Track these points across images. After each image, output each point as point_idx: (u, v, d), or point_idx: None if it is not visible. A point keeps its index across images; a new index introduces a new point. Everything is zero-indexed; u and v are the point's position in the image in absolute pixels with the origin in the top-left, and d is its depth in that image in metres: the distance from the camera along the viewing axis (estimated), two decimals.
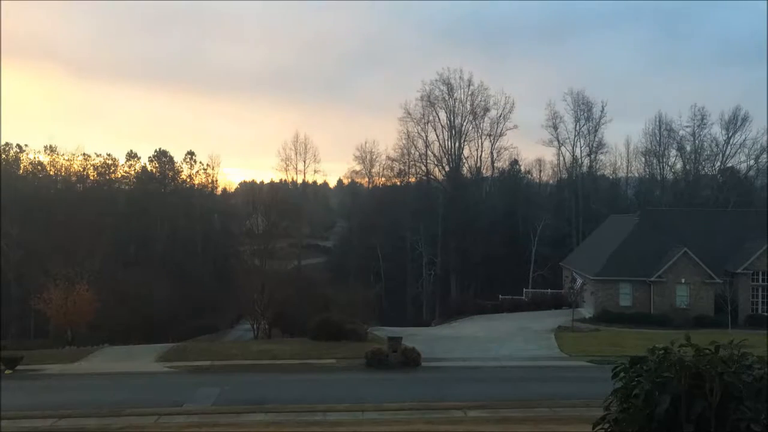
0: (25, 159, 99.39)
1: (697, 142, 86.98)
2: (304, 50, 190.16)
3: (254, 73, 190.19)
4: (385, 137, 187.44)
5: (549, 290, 65.72)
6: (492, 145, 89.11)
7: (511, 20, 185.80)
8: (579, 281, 54.89)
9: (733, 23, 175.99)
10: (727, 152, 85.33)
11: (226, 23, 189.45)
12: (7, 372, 29.33)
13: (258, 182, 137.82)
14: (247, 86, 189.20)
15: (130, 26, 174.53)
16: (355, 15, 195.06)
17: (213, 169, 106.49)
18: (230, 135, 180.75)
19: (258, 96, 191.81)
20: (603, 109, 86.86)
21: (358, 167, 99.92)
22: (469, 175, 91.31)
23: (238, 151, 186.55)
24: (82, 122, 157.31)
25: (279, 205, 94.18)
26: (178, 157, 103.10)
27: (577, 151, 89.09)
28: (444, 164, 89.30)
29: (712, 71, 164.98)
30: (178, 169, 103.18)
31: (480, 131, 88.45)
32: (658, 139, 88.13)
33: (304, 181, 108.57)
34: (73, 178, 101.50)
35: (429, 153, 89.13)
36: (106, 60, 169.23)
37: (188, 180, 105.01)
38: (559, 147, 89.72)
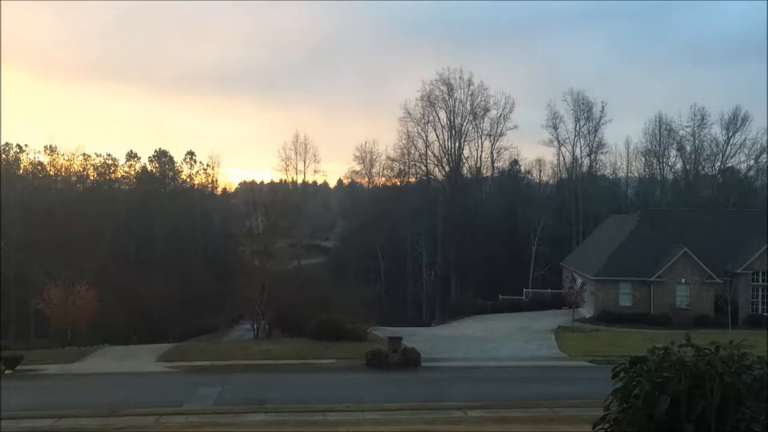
0: (25, 159, 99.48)
1: (697, 142, 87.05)
2: (303, 49, 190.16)
3: (253, 72, 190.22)
4: (384, 137, 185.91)
5: (549, 290, 65.69)
6: (492, 145, 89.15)
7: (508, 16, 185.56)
8: (579, 281, 54.91)
9: (705, 23, 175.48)
10: (727, 152, 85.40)
11: (224, 22, 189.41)
12: (7, 372, 29.33)
13: (258, 182, 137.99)
14: (247, 86, 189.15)
15: (122, 26, 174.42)
16: (344, 15, 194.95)
17: (213, 169, 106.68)
18: (229, 135, 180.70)
19: (257, 95, 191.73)
20: (603, 109, 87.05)
21: (358, 167, 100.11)
22: (469, 175, 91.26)
23: (238, 151, 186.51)
24: (80, 123, 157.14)
25: (279, 205, 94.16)
26: (178, 157, 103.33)
27: (577, 151, 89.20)
28: (444, 164, 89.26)
29: (686, 69, 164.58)
30: (178, 169, 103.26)
31: (480, 131, 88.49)
32: (658, 139, 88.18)
33: (304, 181, 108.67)
34: (73, 178, 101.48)
35: (429, 153, 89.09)
36: (102, 61, 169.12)
37: (188, 180, 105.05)
38: (559, 147, 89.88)
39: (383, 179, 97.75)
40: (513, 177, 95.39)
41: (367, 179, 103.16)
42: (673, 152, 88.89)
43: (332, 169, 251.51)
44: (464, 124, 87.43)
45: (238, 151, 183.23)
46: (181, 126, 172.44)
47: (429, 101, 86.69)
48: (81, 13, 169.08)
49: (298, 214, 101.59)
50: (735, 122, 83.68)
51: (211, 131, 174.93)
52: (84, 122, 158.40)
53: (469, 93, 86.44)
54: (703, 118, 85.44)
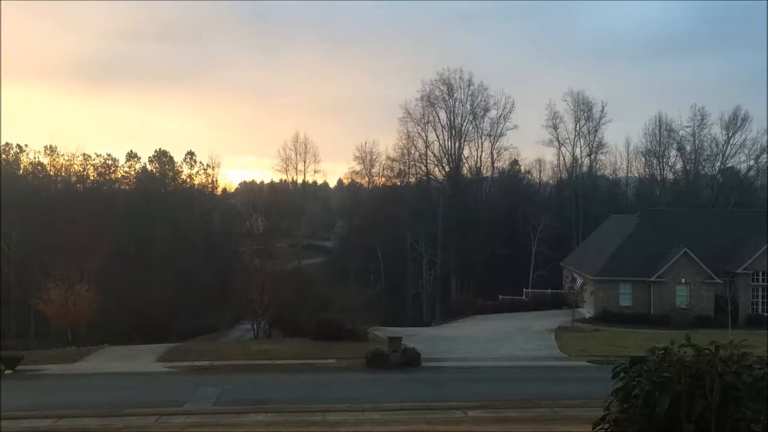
0: (25, 159, 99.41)
1: (697, 142, 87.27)
2: (303, 49, 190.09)
3: (253, 71, 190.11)
4: (384, 137, 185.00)
5: (549, 290, 65.76)
6: (492, 145, 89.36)
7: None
8: (579, 281, 54.94)
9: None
10: (727, 152, 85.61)
11: (222, 21, 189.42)
12: (7, 372, 29.32)
13: (258, 182, 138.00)
14: (246, 85, 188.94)
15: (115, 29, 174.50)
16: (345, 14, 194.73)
17: (213, 169, 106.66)
18: (229, 134, 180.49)
19: (255, 94, 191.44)
20: (603, 109, 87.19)
21: (358, 167, 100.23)
22: (469, 175, 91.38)
23: (238, 150, 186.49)
24: (80, 124, 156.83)
25: (279, 205, 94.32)
26: (178, 157, 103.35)
27: (577, 151, 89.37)
28: (444, 164, 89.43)
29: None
30: (178, 170, 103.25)
31: (480, 131, 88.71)
32: (658, 139, 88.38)
33: (304, 181, 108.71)
34: (73, 178, 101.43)
35: (429, 153, 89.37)
36: (100, 62, 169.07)
37: (188, 180, 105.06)
38: (559, 147, 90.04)
39: (383, 179, 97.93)
40: (513, 177, 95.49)
41: (367, 179, 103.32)
42: (673, 152, 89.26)
43: (332, 169, 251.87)
44: (464, 124, 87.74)
45: (238, 150, 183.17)
46: (180, 126, 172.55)
47: (429, 101, 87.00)
48: (72, 15, 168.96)
49: (298, 214, 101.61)
50: (735, 122, 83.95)
51: (210, 131, 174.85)
52: (82, 124, 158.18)
53: (469, 93, 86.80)
54: (703, 118, 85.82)
